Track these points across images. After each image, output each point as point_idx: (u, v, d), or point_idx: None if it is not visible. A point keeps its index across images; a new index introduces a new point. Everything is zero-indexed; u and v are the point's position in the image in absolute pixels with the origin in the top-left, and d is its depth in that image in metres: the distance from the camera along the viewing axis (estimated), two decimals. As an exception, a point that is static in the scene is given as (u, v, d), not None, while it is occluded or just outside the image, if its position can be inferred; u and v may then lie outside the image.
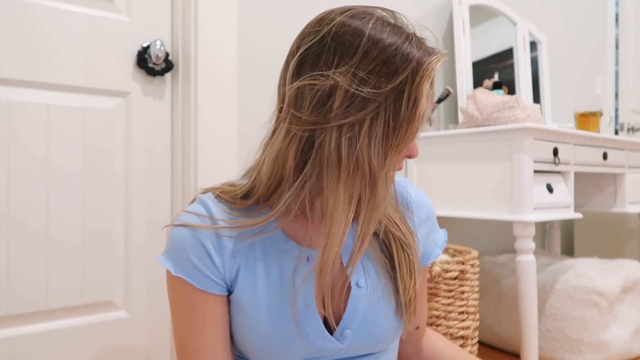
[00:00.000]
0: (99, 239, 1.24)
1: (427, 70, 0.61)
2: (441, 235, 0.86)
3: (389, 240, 0.73)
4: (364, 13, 0.63)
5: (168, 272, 0.68)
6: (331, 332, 0.70)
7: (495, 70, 2.06)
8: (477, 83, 1.92)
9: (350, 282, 0.70)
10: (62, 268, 1.18)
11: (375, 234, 0.71)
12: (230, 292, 0.70)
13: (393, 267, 0.73)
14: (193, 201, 0.72)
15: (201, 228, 0.67)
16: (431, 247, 0.82)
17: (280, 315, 0.67)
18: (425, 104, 0.63)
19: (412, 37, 0.62)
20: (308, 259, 0.70)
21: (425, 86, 0.62)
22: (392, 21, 0.63)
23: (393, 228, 0.72)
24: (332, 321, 0.70)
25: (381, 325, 0.71)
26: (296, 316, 0.67)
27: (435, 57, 0.62)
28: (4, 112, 1.11)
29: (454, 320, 1.38)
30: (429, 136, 1.72)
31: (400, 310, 0.72)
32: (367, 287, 0.70)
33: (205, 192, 0.73)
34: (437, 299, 1.36)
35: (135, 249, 1.29)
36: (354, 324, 0.69)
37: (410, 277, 0.72)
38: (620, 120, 2.97)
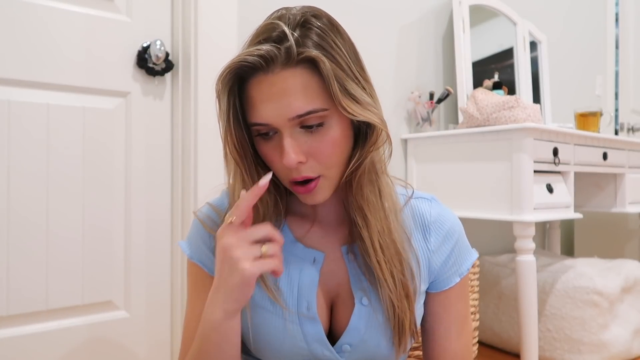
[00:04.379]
0: (99, 239, 1.24)
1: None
2: (466, 260, 0.76)
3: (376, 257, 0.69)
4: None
5: (187, 257, 0.74)
6: (333, 343, 0.70)
7: (495, 70, 2.06)
8: (477, 83, 1.92)
9: (355, 298, 0.69)
10: (62, 268, 1.18)
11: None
12: None
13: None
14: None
15: (210, 232, 0.71)
16: (450, 272, 0.74)
17: (286, 318, 0.68)
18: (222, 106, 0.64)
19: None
20: (314, 261, 0.70)
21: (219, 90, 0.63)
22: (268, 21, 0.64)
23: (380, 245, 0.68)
24: (334, 331, 0.70)
25: (381, 347, 0.69)
26: (299, 320, 0.68)
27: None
28: (4, 112, 1.11)
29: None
30: (429, 136, 1.73)
31: (396, 334, 0.68)
32: (371, 306, 0.69)
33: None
34: (437, 299, 1.36)
35: (136, 249, 1.29)
36: (354, 340, 0.69)
37: (400, 300, 0.67)
38: (620, 120, 2.97)
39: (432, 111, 1.81)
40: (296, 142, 0.62)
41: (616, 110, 2.94)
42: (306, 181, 0.64)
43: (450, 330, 0.75)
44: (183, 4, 1.34)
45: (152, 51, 1.27)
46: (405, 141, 1.81)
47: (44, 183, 1.16)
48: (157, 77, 1.33)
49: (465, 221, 1.64)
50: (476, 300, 1.44)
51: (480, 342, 1.81)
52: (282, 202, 0.71)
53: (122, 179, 1.27)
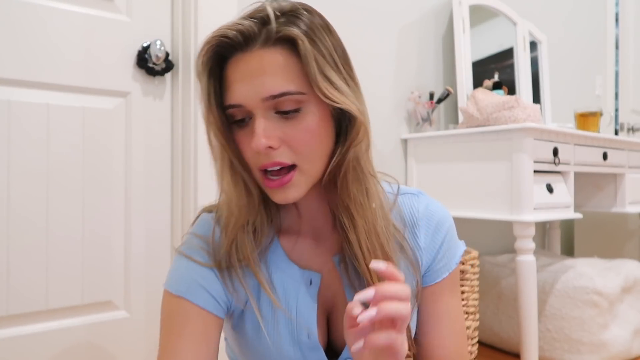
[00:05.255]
0: (99, 239, 1.24)
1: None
2: (456, 253, 0.73)
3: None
4: None
5: (166, 291, 0.67)
6: (333, 355, 0.68)
7: (495, 70, 2.06)
8: (477, 83, 1.92)
9: None
10: (62, 268, 1.18)
11: None
12: (231, 312, 0.68)
13: None
14: (196, 219, 0.71)
15: (206, 266, 0.65)
16: (440, 265, 0.70)
17: (285, 344, 0.66)
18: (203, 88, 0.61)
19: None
20: (311, 283, 0.67)
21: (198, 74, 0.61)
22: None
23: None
24: (334, 343, 0.68)
25: None
26: (300, 347, 0.66)
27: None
28: (4, 112, 1.11)
29: (454, 320, 1.38)
30: (429, 136, 1.73)
31: None
32: None
33: (208, 210, 0.71)
34: (437, 299, 1.36)
35: (135, 249, 1.29)
36: None
37: None
38: (620, 120, 2.97)
39: (432, 111, 1.81)
40: (269, 125, 0.58)
41: (616, 110, 2.94)
42: (280, 175, 0.59)
43: (441, 325, 0.70)
44: (183, 4, 1.34)
45: (152, 51, 1.27)
46: (405, 141, 1.81)
47: (44, 183, 1.16)
48: (157, 77, 1.33)
49: (465, 221, 1.65)
50: (476, 300, 1.44)
51: (480, 342, 1.81)
52: (274, 217, 0.68)
53: (122, 179, 1.27)
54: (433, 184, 1.69)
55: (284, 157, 0.59)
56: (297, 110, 0.58)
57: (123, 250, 1.28)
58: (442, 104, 1.89)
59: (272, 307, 0.66)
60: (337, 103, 0.58)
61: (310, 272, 0.67)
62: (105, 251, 1.25)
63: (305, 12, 0.59)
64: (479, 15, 2.01)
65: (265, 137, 0.57)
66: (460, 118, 1.82)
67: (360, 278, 0.64)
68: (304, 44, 0.56)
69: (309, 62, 0.56)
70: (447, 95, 1.80)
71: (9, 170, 1.12)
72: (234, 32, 0.57)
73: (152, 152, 1.32)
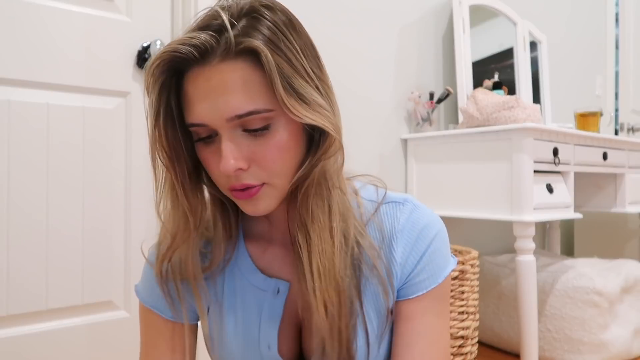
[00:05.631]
0: (99, 239, 1.24)
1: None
2: (441, 269, 0.64)
3: None
4: None
5: (140, 302, 0.69)
6: None
7: (495, 70, 2.06)
8: (477, 83, 1.92)
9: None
10: (62, 268, 1.18)
11: None
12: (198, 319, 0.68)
13: None
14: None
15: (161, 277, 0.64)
16: (418, 279, 0.62)
17: (248, 354, 0.64)
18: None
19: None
20: (279, 291, 0.64)
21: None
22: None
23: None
24: (307, 354, 0.65)
25: None
26: (262, 358, 0.64)
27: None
28: (4, 112, 1.11)
29: (454, 320, 1.38)
30: (429, 136, 1.73)
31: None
32: None
33: None
34: (437, 299, 1.36)
35: (135, 248, 1.29)
36: None
37: (332, 337, 0.58)
38: (620, 120, 2.97)
39: (432, 111, 1.81)
40: (236, 146, 0.53)
41: (616, 110, 2.94)
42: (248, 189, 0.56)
43: (415, 348, 0.61)
44: (183, 4, 1.34)
45: (152, 51, 1.27)
46: (405, 141, 1.81)
47: (44, 183, 1.16)
48: (157, 77, 1.33)
49: (465, 221, 1.65)
50: (476, 300, 1.44)
51: (480, 342, 1.81)
52: (234, 221, 0.64)
53: (122, 178, 1.27)
54: (433, 184, 1.69)
55: (252, 178, 0.55)
56: (265, 128, 0.54)
57: (123, 250, 1.28)
58: (442, 104, 1.89)
59: (234, 316, 0.64)
60: (306, 120, 0.53)
61: (277, 281, 0.64)
62: (105, 252, 1.25)
63: (265, 12, 0.53)
64: (479, 15, 2.02)
65: (233, 159, 0.53)
66: (460, 118, 1.82)
67: None
68: (267, 57, 0.51)
69: (273, 77, 0.51)
70: (447, 95, 1.80)
71: (9, 170, 1.12)
72: (187, 48, 0.51)
73: (152, 152, 1.32)
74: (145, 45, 1.28)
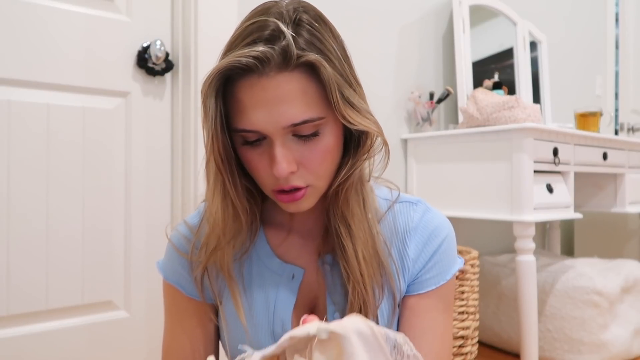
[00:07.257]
0: (99, 239, 1.24)
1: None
2: (449, 268, 0.69)
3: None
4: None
5: (163, 279, 0.72)
6: None
7: (495, 70, 2.06)
8: (477, 83, 1.92)
9: (328, 312, 0.66)
10: (62, 268, 1.18)
11: None
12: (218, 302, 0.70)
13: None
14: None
15: (184, 256, 0.68)
16: (427, 276, 0.67)
17: (261, 335, 0.66)
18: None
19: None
20: (293, 277, 0.67)
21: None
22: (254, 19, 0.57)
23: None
24: None
25: None
26: (275, 339, 0.65)
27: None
28: (4, 112, 1.11)
29: (454, 320, 1.38)
30: (429, 136, 1.73)
31: None
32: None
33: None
34: (437, 299, 1.36)
35: (136, 248, 1.29)
36: None
37: (361, 310, 0.63)
38: (620, 120, 2.97)
39: (432, 111, 1.81)
40: (288, 151, 0.57)
41: (616, 110, 2.94)
42: (293, 189, 0.60)
43: (422, 341, 0.65)
44: (183, 4, 1.34)
45: (152, 51, 1.27)
46: (405, 141, 1.81)
47: (44, 183, 1.16)
48: (157, 77, 1.33)
49: (465, 221, 1.65)
50: (476, 300, 1.44)
51: (480, 342, 1.81)
52: (258, 210, 0.68)
53: (122, 178, 1.27)
54: (433, 184, 1.69)
55: (299, 180, 0.59)
56: (315, 134, 0.58)
57: (123, 250, 1.28)
58: (442, 104, 1.89)
59: (251, 297, 0.67)
60: (359, 126, 0.58)
61: (293, 267, 0.68)
62: (105, 252, 1.25)
63: (304, 14, 0.57)
64: (479, 15, 2.02)
65: (287, 162, 0.57)
66: (460, 118, 1.82)
67: (342, 283, 0.65)
68: (326, 70, 0.55)
69: (332, 90, 0.55)
70: (447, 95, 1.80)
71: (9, 170, 1.12)
72: (249, 60, 0.54)
73: (152, 152, 1.32)
74: (145, 45, 1.28)
